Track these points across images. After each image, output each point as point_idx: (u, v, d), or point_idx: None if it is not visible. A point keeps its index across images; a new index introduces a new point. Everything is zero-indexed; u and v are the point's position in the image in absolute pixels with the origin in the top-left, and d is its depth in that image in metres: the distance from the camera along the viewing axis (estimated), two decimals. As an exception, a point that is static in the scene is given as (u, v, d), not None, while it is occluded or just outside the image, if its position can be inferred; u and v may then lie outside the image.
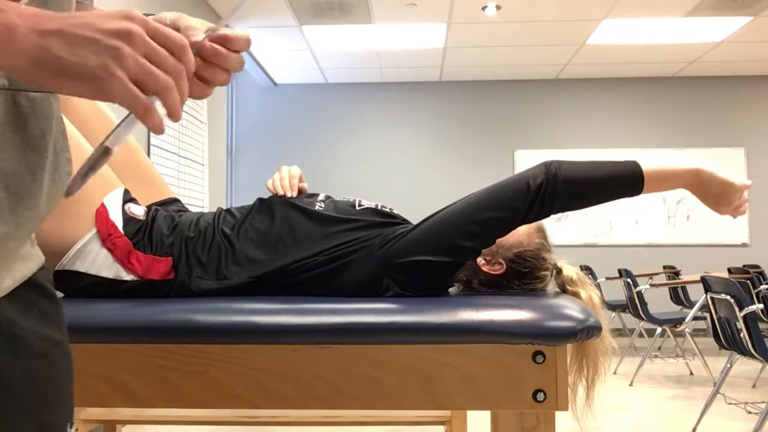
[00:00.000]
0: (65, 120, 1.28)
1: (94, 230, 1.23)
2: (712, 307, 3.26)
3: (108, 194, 1.27)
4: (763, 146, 7.10)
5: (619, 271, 5.16)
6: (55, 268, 1.23)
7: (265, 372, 1.04)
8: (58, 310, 0.66)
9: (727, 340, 3.16)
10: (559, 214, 7.07)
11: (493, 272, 1.34)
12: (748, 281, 4.45)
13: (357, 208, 1.35)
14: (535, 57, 6.48)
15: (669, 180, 1.26)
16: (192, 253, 1.27)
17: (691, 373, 4.78)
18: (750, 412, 3.57)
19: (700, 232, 7.02)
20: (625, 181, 1.22)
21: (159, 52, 0.52)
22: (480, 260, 1.34)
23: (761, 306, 2.94)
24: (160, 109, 0.52)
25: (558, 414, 1.02)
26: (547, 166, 1.23)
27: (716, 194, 1.28)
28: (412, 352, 1.02)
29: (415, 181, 7.19)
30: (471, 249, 1.24)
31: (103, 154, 0.53)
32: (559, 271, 1.37)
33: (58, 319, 0.65)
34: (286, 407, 1.02)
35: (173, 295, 1.26)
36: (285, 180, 1.40)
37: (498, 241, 1.32)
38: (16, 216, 0.56)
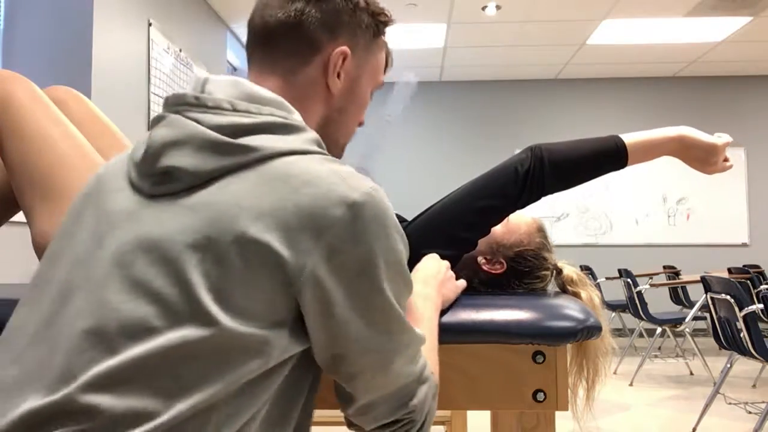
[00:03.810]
0: (66, 120, 1.27)
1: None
2: (712, 307, 3.26)
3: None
4: (763, 146, 7.10)
5: (619, 271, 5.16)
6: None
7: (265, 372, 1.03)
8: None
9: (727, 340, 3.16)
10: (559, 214, 7.09)
11: (493, 272, 1.34)
12: (748, 281, 4.45)
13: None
14: (535, 57, 6.48)
15: (653, 149, 1.31)
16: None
17: (691, 373, 4.79)
18: (750, 412, 3.57)
19: (700, 232, 7.02)
20: (609, 156, 1.28)
21: None
22: (480, 259, 1.33)
23: (761, 306, 2.94)
24: None
25: (558, 414, 1.02)
26: (533, 150, 1.26)
27: (701, 158, 1.34)
28: (411, 352, 1.02)
29: (414, 180, 7.19)
30: (467, 240, 1.24)
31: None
32: (560, 271, 1.36)
33: None
34: (286, 407, 1.01)
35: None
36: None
37: (499, 240, 1.32)
38: None
